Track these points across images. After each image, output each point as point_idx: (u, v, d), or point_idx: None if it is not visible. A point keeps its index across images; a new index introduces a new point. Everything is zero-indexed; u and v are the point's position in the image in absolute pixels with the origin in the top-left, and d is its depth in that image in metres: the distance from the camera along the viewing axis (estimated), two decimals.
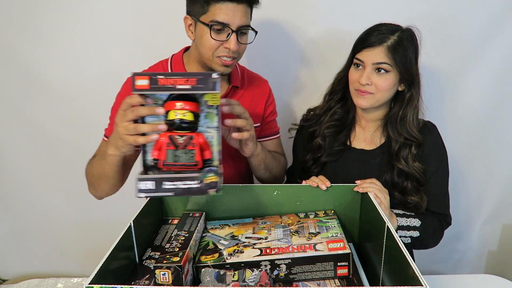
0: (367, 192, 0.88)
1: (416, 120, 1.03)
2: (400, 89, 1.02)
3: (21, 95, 1.44)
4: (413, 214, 0.99)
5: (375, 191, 0.88)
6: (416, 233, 0.97)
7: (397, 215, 0.97)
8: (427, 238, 1.00)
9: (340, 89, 1.10)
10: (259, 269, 0.75)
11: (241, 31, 0.95)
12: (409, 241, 0.97)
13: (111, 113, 1.06)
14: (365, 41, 0.98)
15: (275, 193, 0.94)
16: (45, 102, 1.44)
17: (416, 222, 0.97)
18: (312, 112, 1.17)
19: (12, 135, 1.50)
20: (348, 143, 1.10)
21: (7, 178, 1.58)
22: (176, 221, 0.93)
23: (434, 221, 1.02)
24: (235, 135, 0.86)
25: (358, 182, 0.92)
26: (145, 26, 1.35)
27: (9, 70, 1.40)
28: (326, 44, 1.37)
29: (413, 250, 1.16)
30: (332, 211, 0.93)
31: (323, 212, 0.94)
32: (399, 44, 0.95)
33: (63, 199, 1.60)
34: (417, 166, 1.01)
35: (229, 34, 0.92)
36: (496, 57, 1.36)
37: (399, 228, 0.95)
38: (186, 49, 1.09)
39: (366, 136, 1.10)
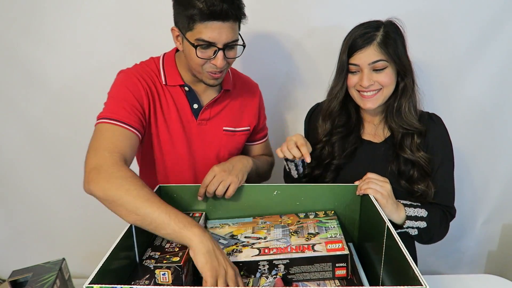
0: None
1: (414, 110, 1.03)
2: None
3: (21, 95, 1.44)
4: (419, 204, 0.98)
5: (369, 186, 0.88)
6: (423, 224, 0.95)
7: (405, 205, 0.95)
8: (434, 229, 0.99)
9: (338, 103, 1.06)
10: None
11: (228, 48, 0.92)
12: (416, 232, 0.96)
13: (108, 100, 0.98)
14: (353, 45, 0.96)
15: (275, 193, 0.94)
16: (45, 101, 1.45)
17: (423, 212, 0.96)
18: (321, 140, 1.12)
19: (12, 135, 1.50)
20: (358, 135, 1.09)
21: (7, 178, 1.58)
22: None
23: (440, 212, 1.01)
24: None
25: (356, 183, 0.92)
26: (145, 27, 1.35)
27: (9, 70, 1.40)
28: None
29: (417, 248, 1.16)
30: (332, 212, 0.93)
31: (323, 212, 0.94)
32: (388, 38, 0.95)
33: (64, 199, 1.60)
34: (422, 155, 1.00)
35: (215, 51, 0.91)
36: (499, 55, 1.36)
37: (408, 218, 0.94)
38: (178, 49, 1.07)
39: (372, 130, 1.11)
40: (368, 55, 0.95)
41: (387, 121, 1.06)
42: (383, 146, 1.07)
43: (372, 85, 0.97)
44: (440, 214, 1.01)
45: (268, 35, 1.37)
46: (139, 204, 0.72)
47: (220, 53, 0.91)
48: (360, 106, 1.05)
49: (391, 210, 0.89)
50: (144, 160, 1.12)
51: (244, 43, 0.96)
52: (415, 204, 0.98)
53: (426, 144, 1.03)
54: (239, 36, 0.95)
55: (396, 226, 0.94)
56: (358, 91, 1.00)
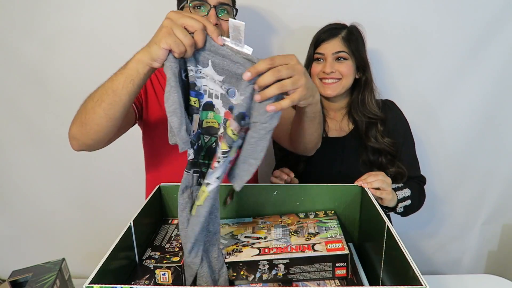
0: (366, 191, 0.88)
1: (375, 100, 1.15)
2: (357, 76, 1.14)
3: (21, 95, 1.44)
4: (401, 185, 1.07)
5: (383, 187, 0.91)
6: (408, 202, 1.04)
7: (395, 190, 1.03)
8: (415, 203, 1.08)
9: None
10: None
11: (221, 9, 0.98)
12: (402, 210, 1.04)
13: None
14: (320, 37, 1.12)
15: (275, 193, 0.94)
16: (46, 102, 1.45)
17: (407, 191, 1.05)
18: None
19: (12, 135, 1.50)
20: (324, 135, 1.18)
21: (7, 178, 1.58)
22: (176, 221, 0.93)
23: (416, 185, 1.11)
24: (270, 108, 0.58)
25: (358, 183, 0.92)
26: (145, 27, 1.35)
27: (10, 70, 1.41)
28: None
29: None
30: (332, 212, 0.93)
31: (323, 212, 0.94)
32: (351, 35, 1.11)
33: (63, 199, 1.60)
34: (387, 141, 1.11)
35: (208, 10, 0.97)
36: (497, 57, 1.36)
37: (399, 201, 1.02)
38: None
39: (336, 126, 1.20)
40: (333, 46, 1.10)
41: (350, 115, 1.18)
42: (349, 139, 1.16)
43: (334, 73, 1.10)
44: (417, 187, 1.11)
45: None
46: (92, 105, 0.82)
47: (212, 10, 0.96)
48: (323, 96, 1.16)
49: (392, 199, 0.97)
50: (148, 153, 1.14)
51: (235, 8, 1.03)
52: (400, 186, 1.07)
53: (388, 129, 1.13)
54: (233, 10, 1.01)
55: (388, 208, 1.02)
56: (320, 79, 1.13)
